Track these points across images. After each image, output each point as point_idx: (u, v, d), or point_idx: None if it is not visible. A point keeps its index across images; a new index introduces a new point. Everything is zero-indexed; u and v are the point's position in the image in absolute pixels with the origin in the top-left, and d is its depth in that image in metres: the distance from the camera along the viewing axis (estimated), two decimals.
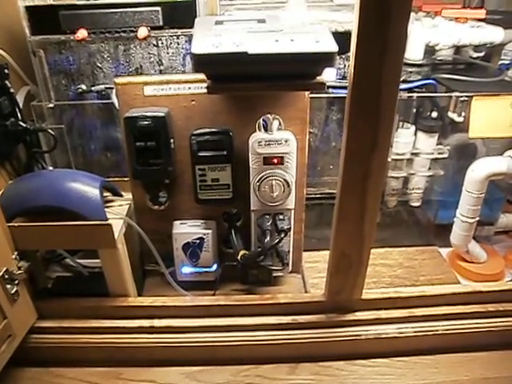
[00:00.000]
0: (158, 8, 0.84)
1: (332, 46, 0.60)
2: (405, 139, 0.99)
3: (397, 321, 0.81)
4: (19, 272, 0.73)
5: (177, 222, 0.89)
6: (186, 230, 0.88)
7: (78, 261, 0.94)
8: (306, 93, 0.79)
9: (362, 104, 0.60)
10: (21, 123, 0.84)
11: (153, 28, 0.86)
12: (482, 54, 1.08)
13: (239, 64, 0.60)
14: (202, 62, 0.61)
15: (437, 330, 0.81)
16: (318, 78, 0.63)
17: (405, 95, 0.95)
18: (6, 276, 0.70)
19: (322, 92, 0.89)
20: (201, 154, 0.80)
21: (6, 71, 0.80)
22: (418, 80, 0.94)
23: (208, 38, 0.61)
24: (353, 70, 0.58)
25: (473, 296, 0.83)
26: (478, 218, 0.97)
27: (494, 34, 0.98)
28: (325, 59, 0.60)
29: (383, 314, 0.81)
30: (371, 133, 0.61)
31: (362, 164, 0.64)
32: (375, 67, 0.57)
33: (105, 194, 0.83)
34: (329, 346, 0.81)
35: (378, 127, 0.61)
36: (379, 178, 0.65)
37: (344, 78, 0.94)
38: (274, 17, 0.73)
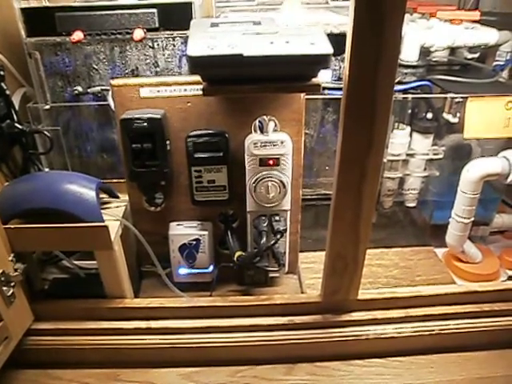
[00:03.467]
0: (154, 10, 0.84)
1: (327, 48, 0.60)
2: (400, 140, 0.99)
3: (393, 321, 0.82)
4: (15, 274, 0.73)
5: (173, 224, 0.89)
6: (183, 231, 0.88)
7: (75, 262, 0.94)
8: (302, 94, 0.79)
9: (357, 106, 0.60)
10: (17, 125, 0.84)
11: (149, 30, 0.86)
12: (476, 55, 1.08)
13: (235, 66, 0.60)
14: (198, 65, 0.61)
15: (433, 330, 0.81)
16: (313, 79, 0.63)
17: (400, 96, 0.95)
18: (3, 278, 0.70)
19: (317, 93, 0.90)
20: (197, 155, 0.80)
21: (2, 73, 0.80)
22: (413, 81, 0.95)
23: (203, 41, 0.61)
24: (348, 72, 0.58)
25: (468, 296, 0.83)
26: (473, 219, 0.97)
27: (489, 36, 0.98)
28: (320, 61, 0.61)
29: (379, 314, 0.82)
30: (366, 135, 0.61)
31: (358, 166, 0.64)
32: (370, 69, 0.57)
33: (101, 195, 0.84)
34: (325, 347, 0.81)
35: (374, 129, 0.61)
36: (375, 179, 0.66)
37: (339, 79, 0.94)
38: (269, 19, 0.73)
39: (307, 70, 0.62)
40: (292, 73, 0.62)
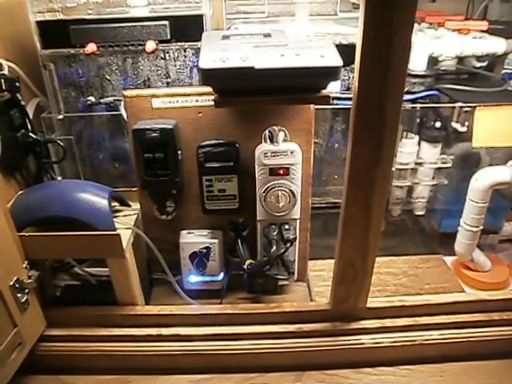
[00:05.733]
0: (166, 22, 0.86)
1: (337, 61, 0.61)
2: (409, 149, 0.99)
3: (402, 329, 0.82)
4: (29, 281, 0.74)
5: (184, 232, 0.90)
6: (193, 239, 0.89)
7: (86, 269, 0.95)
8: (311, 105, 0.80)
9: (366, 118, 0.61)
10: (31, 135, 0.85)
11: (160, 41, 0.87)
12: (485, 64, 1.09)
13: (246, 78, 0.61)
14: (210, 77, 0.62)
15: (441, 339, 0.82)
16: (323, 91, 0.64)
17: (408, 106, 0.96)
18: (17, 285, 0.71)
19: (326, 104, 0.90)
20: (208, 165, 0.82)
21: (18, 84, 0.81)
22: (421, 91, 0.95)
23: (215, 53, 0.62)
24: (357, 84, 0.59)
25: (477, 305, 0.83)
26: (481, 227, 0.98)
27: (497, 45, 0.98)
28: (330, 74, 0.62)
29: (388, 322, 0.82)
30: (375, 146, 0.62)
31: (367, 176, 0.65)
32: (379, 80, 0.58)
33: (113, 203, 0.85)
34: (334, 354, 0.82)
35: (383, 140, 0.62)
36: (383, 189, 0.66)
37: (348, 89, 0.95)
38: (279, 31, 0.74)
39: (317, 82, 0.63)
40: (302, 85, 0.63)
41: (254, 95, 0.63)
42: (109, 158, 1.00)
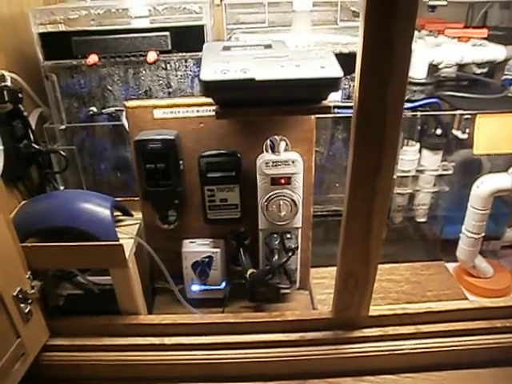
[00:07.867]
0: (167, 33, 0.87)
1: (337, 72, 0.61)
2: (410, 156, 1.00)
3: (404, 337, 0.82)
4: (32, 291, 0.74)
5: (186, 241, 0.90)
6: (195, 248, 0.89)
7: (89, 278, 0.96)
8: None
9: (367, 127, 0.61)
10: (33, 145, 0.86)
11: (162, 52, 0.88)
12: (485, 70, 1.09)
13: (247, 90, 0.61)
14: (211, 88, 0.62)
15: (444, 346, 0.81)
16: (323, 102, 0.64)
17: (409, 114, 0.96)
18: (20, 296, 0.71)
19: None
20: (209, 174, 0.82)
21: (20, 95, 0.82)
22: (422, 99, 0.95)
23: (216, 65, 0.63)
24: (358, 93, 0.59)
25: (480, 312, 0.83)
26: (483, 234, 0.97)
27: (496, 53, 0.99)
28: (330, 85, 0.62)
29: (390, 330, 0.82)
30: (376, 155, 0.62)
31: (368, 185, 0.65)
32: (380, 90, 0.58)
33: (115, 213, 0.85)
34: (337, 363, 0.81)
35: (384, 150, 0.62)
36: (385, 198, 0.66)
37: (349, 97, 0.96)
38: (279, 42, 0.74)
39: (318, 93, 0.64)
40: (303, 96, 0.63)
41: (255, 106, 0.64)
42: (111, 168, 1.00)
